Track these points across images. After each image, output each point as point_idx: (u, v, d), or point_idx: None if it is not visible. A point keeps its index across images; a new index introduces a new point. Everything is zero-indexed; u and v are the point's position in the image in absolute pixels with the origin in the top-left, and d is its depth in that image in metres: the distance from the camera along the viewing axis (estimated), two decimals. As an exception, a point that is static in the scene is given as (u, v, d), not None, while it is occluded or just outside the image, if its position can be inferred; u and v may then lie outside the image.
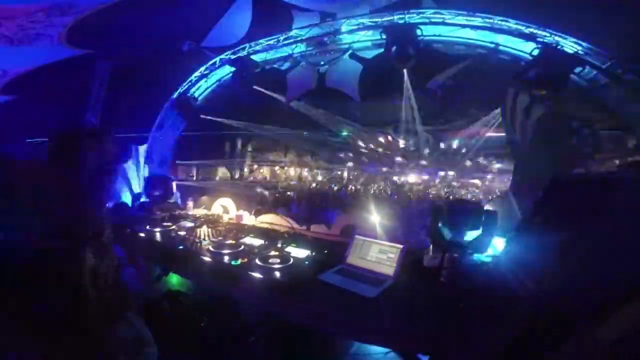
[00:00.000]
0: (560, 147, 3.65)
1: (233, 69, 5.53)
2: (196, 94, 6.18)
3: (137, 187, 6.33)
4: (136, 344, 1.39)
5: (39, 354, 1.16)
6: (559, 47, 3.72)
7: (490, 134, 9.09)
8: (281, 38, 5.39)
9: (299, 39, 5.28)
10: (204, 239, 2.64)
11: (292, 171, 16.17)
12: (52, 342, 1.18)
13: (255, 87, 5.97)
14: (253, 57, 5.54)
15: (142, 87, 5.89)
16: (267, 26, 5.54)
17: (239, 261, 2.16)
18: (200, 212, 3.83)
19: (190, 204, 4.02)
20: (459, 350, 1.22)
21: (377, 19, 4.73)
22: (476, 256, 1.95)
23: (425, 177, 15.38)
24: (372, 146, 13.60)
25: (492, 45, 4.20)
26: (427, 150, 12.88)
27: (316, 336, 2.56)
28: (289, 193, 10.07)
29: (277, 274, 2.00)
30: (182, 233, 2.84)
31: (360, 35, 4.91)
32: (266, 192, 8.86)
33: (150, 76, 5.73)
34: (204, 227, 2.94)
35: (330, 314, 1.59)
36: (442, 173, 14.54)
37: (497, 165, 12.22)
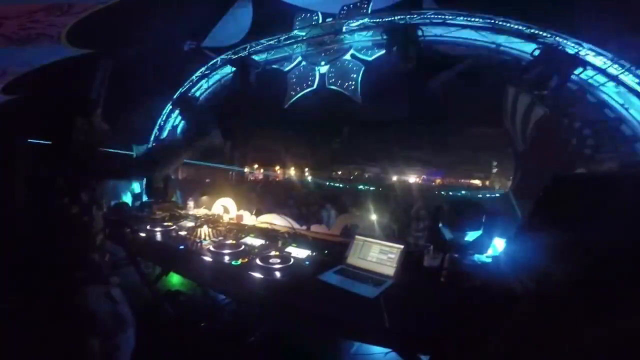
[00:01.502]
0: (561, 147, 3.65)
1: (234, 69, 5.53)
2: (197, 94, 6.19)
3: (138, 187, 6.34)
4: (114, 322, 1.35)
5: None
6: (559, 47, 3.72)
7: (490, 134, 9.08)
8: (282, 38, 5.40)
9: (299, 39, 5.29)
10: (205, 239, 2.64)
11: (292, 171, 16.18)
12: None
13: (255, 87, 5.97)
14: (254, 57, 5.55)
15: (143, 87, 5.89)
16: (268, 26, 5.54)
17: (239, 261, 2.16)
18: (200, 212, 3.83)
19: (190, 203, 4.02)
20: (459, 350, 1.22)
21: (378, 19, 4.73)
22: (476, 256, 1.95)
23: (425, 177, 15.40)
24: (372, 146, 13.60)
25: (493, 46, 4.20)
26: (427, 151, 12.88)
27: (316, 336, 2.57)
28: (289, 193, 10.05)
29: (277, 274, 2.00)
30: (183, 233, 2.84)
31: (361, 36, 4.91)
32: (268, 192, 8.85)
33: (150, 76, 5.73)
34: (205, 227, 2.94)
35: (330, 314, 1.59)
36: (442, 173, 14.55)
37: (497, 166, 12.23)
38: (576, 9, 3.69)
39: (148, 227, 2.96)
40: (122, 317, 1.37)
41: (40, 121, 1.44)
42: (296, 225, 3.23)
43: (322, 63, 5.30)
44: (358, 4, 4.90)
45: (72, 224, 1.28)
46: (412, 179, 15.30)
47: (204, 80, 6.14)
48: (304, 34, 5.22)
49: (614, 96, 3.72)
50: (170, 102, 6.30)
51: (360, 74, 5.15)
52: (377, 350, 2.36)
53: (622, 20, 3.45)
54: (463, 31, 4.28)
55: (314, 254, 2.30)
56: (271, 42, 5.49)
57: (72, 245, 1.27)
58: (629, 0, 3.30)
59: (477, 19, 4.21)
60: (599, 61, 3.70)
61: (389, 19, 4.60)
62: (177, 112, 6.32)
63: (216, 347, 2.45)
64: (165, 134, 6.47)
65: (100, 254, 1.37)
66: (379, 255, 2.06)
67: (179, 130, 6.51)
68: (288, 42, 5.36)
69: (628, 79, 3.62)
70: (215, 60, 5.93)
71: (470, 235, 1.98)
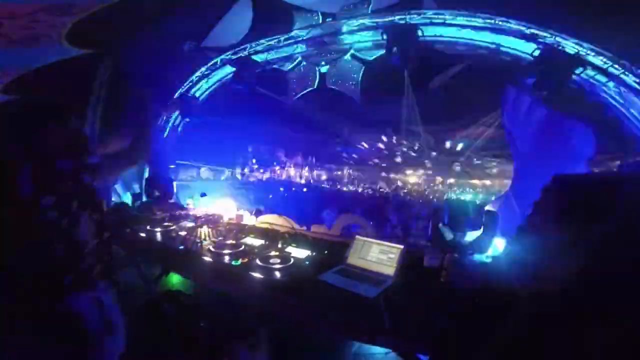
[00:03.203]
0: (561, 148, 3.64)
1: (234, 69, 5.53)
2: (197, 94, 6.18)
3: (138, 187, 6.34)
4: (102, 327, 1.34)
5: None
6: (560, 47, 3.72)
7: (490, 134, 9.10)
8: (282, 38, 5.40)
9: (299, 39, 5.29)
10: (205, 239, 2.63)
11: (292, 171, 16.18)
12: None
13: (256, 87, 5.98)
14: (254, 57, 5.55)
15: (143, 87, 5.89)
16: (268, 26, 5.54)
17: (240, 261, 2.16)
18: (200, 212, 3.82)
19: (190, 204, 4.02)
20: (459, 350, 1.22)
21: (378, 20, 4.73)
22: (476, 256, 1.94)
23: (426, 177, 15.39)
24: (372, 147, 13.61)
25: (493, 46, 4.20)
26: (427, 151, 12.88)
27: (316, 336, 2.56)
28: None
29: (278, 274, 2.00)
30: (183, 233, 2.83)
31: (361, 36, 4.91)
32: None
33: (150, 76, 5.73)
34: (205, 227, 2.93)
35: (330, 314, 1.59)
36: (442, 173, 14.54)
37: (497, 166, 12.22)
38: (576, 9, 3.69)
39: (148, 227, 2.96)
40: (110, 322, 1.37)
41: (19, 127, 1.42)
42: (296, 225, 3.23)
43: (323, 63, 5.30)
44: (358, 4, 4.91)
45: (57, 230, 1.26)
46: (412, 179, 15.31)
47: (204, 81, 6.14)
48: (304, 34, 5.23)
49: (614, 96, 3.72)
50: (170, 103, 6.29)
51: (361, 74, 5.15)
52: (377, 350, 2.35)
53: (621, 19, 3.45)
54: (463, 31, 4.28)
55: (314, 254, 2.30)
56: (271, 43, 5.50)
57: (56, 253, 1.26)
58: None
59: (477, 19, 4.21)
60: (599, 61, 3.70)
61: (389, 19, 4.61)
62: (176, 112, 6.32)
63: (216, 347, 2.44)
64: (165, 134, 6.47)
65: (91, 259, 1.36)
66: (379, 255, 2.06)
67: (178, 130, 6.51)
68: (288, 42, 5.36)
69: (628, 78, 3.62)
70: (215, 61, 5.93)
71: (470, 235, 1.97)
